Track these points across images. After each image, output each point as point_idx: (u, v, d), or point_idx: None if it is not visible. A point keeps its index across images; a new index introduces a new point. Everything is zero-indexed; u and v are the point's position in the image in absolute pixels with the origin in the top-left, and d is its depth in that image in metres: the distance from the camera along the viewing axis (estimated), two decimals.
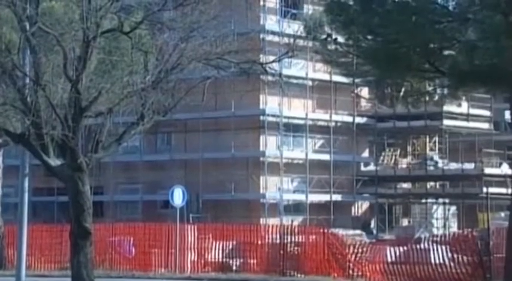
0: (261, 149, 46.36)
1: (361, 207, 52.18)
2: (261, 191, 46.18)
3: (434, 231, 45.26)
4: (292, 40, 39.54)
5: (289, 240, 28.86)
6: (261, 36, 45.44)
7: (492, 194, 36.25)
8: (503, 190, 39.87)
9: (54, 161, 14.95)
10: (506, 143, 52.16)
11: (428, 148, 53.40)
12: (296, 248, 28.78)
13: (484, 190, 42.43)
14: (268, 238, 29.66)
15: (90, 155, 15.07)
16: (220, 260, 29.79)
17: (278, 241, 28.94)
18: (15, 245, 22.68)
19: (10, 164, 32.65)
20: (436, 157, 52.64)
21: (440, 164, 51.60)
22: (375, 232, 48.65)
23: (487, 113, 52.78)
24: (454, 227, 48.24)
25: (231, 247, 29.94)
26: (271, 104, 46.41)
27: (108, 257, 30.23)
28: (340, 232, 32.42)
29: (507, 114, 42.77)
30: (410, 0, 25.32)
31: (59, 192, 43.65)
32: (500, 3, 23.61)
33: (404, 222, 52.75)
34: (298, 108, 47.98)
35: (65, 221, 26.40)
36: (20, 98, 14.68)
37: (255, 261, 29.25)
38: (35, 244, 29.27)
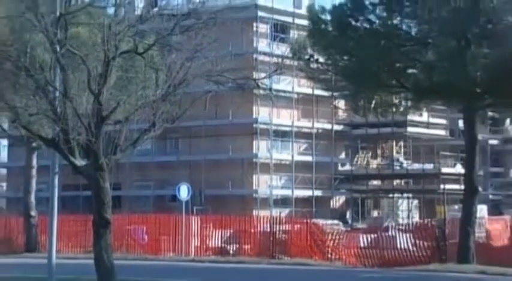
0: (254, 152, 46.40)
1: (338, 201, 52.25)
2: (254, 187, 46.22)
3: (400, 221, 45.34)
4: (280, 60, 39.63)
5: (277, 229, 28.86)
6: (254, 56, 45.59)
7: (448, 190, 36.25)
8: (457, 187, 39.90)
9: (80, 162, 14.92)
10: (460, 147, 52.20)
11: (394, 151, 53.53)
12: (283, 235, 28.77)
13: (441, 186, 42.49)
14: (260, 227, 29.67)
15: (110, 156, 15.05)
16: (219, 245, 29.77)
17: (268, 230, 28.93)
18: (47, 233, 22.67)
19: (43, 164, 32.55)
20: (401, 159, 52.80)
21: (404, 165, 51.76)
22: (350, 221, 48.70)
23: (444, 121, 52.99)
24: (416, 218, 48.31)
25: (228, 234, 29.92)
26: (262, 113, 46.50)
27: (124, 243, 30.21)
28: (321, 222, 32.41)
29: (461, 122, 42.76)
30: (380, 27, 25.45)
31: (83, 188, 43.51)
32: (455, 31, 23.74)
33: (375, 213, 52.83)
34: (285, 117, 48.05)
35: (89, 213, 26.37)
36: (51, 108, 14.66)
37: (249, 246, 29.23)
38: (63, 231, 29.23)
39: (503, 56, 23.08)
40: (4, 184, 58.17)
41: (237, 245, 29.42)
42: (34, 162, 33.68)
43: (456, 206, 37.57)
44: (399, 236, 26.82)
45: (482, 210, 31.29)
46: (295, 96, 48.40)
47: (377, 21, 25.56)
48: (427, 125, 52.14)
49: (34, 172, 33.68)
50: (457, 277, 22.18)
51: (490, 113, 39.25)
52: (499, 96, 26.15)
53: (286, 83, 47.17)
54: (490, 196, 49.45)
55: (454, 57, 23.37)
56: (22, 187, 35.24)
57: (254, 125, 46.43)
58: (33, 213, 32.98)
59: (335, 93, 36.95)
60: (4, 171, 57.21)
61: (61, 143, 14.93)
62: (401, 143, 53.96)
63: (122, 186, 47.30)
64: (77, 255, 29.47)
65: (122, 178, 45.60)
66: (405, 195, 52.69)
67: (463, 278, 22.08)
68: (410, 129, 50.80)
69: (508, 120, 55.62)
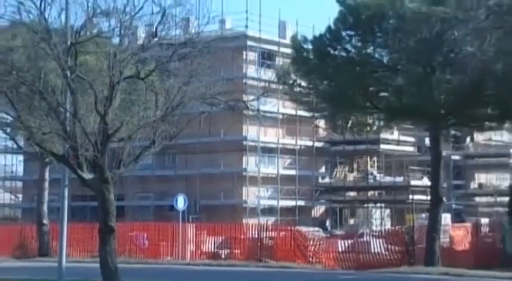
0: (244, 166, 46.31)
1: (319, 210, 52.15)
2: (244, 198, 46.08)
3: (374, 228, 45.28)
4: (267, 84, 39.68)
5: (264, 235, 28.80)
6: (244, 81, 45.63)
7: (416, 200, 36.27)
8: (424, 197, 39.93)
9: (87, 176, 14.88)
10: (426, 162, 52.21)
11: (369, 166, 53.55)
12: (270, 241, 28.71)
13: (410, 197, 42.52)
14: (249, 234, 29.59)
15: (114, 170, 15.02)
16: (212, 250, 29.66)
17: (256, 236, 28.87)
18: (57, 239, 22.54)
19: (54, 177, 32.43)
20: (375, 172, 52.80)
21: (378, 178, 51.76)
22: (329, 229, 48.58)
23: (412, 139, 53.07)
24: (388, 225, 48.24)
25: (220, 240, 29.82)
26: (251, 132, 46.46)
27: (127, 248, 30.04)
28: (303, 229, 32.36)
29: (427, 140, 43.04)
30: (355, 56, 25.58)
31: (91, 199, 43.13)
32: (421, 59, 23.91)
33: (351, 221, 52.74)
34: (271, 135, 48.04)
35: (95, 221, 26.21)
36: (62, 128, 14.63)
37: (239, 251, 29.14)
38: (72, 238, 28.99)
39: (463, 82, 23.25)
40: (20, 195, 57.86)
41: (228, 250, 29.31)
42: (46, 175, 33.57)
43: (423, 215, 37.56)
44: (373, 241, 26.83)
45: (446, 218, 31.27)
46: (280, 116, 48.44)
47: (353, 50, 25.70)
48: (398, 142, 52.26)
49: (46, 184, 33.57)
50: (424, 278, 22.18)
51: (452, 132, 39.38)
52: (460, 117, 26.31)
53: (272, 105, 47.19)
54: (453, 206, 49.44)
55: (420, 82, 23.51)
56: (36, 197, 35.11)
57: (243, 142, 46.39)
58: (45, 221, 32.83)
59: (316, 114, 37.06)
60: (20, 184, 56.92)
61: (70, 158, 14.90)
62: (375, 159, 54.02)
63: (125, 197, 47.06)
64: (85, 259, 29.29)
65: (125, 190, 45.37)
66: (378, 205, 52.67)
67: (429, 279, 22.09)
68: (382, 146, 50.91)
69: (468, 138, 55.86)
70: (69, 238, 24.39)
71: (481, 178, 58.05)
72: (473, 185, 57.11)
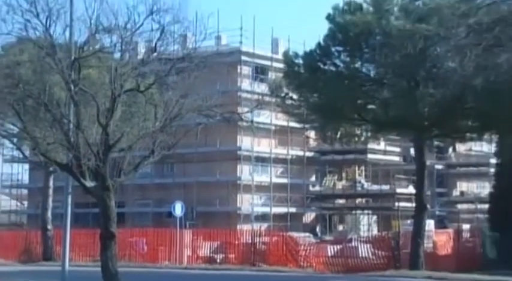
0: (238, 175, 46.33)
1: (309, 217, 52.15)
2: (238, 205, 46.07)
3: (361, 234, 45.25)
4: (260, 97, 39.72)
5: (258, 240, 28.73)
6: (238, 94, 45.70)
7: (401, 207, 36.34)
8: (409, 204, 39.92)
9: (89, 183, 14.87)
10: (411, 171, 52.38)
11: (357, 174, 53.61)
12: (263, 246, 28.63)
13: (396, 204, 42.56)
14: (243, 239, 29.51)
15: (115, 179, 15.01)
16: (208, 255, 29.56)
17: (250, 241, 28.79)
18: (61, 244, 22.44)
19: (58, 185, 32.31)
20: (362, 181, 52.86)
21: (365, 186, 51.81)
22: (319, 234, 48.53)
23: (398, 149, 53.22)
24: (375, 231, 48.23)
25: (216, 245, 29.73)
26: (245, 142, 46.51)
27: (127, 252, 29.89)
28: (295, 234, 32.30)
29: (412, 150, 43.06)
30: (344, 70, 25.65)
31: (93, 205, 42.75)
32: (406, 73, 24.01)
33: (340, 227, 52.71)
34: (264, 146, 48.09)
35: (97, 227, 26.09)
36: (66, 138, 14.64)
37: (234, 255, 29.05)
38: (75, 243, 28.82)
39: (446, 95, 23.34)
40: (25, 202, 57.72)
41: (223, 255, 29.22)
42: (51, 183, 33.46)
43: (408, 221, 37.60)
44: (361, 246, 26.80)
45: (430, 224, 31.28)
46: (273, 127, 48.50)
47: (341, 65, 25.76)
48: (384, 152, 52.37)
49: (51, 191, 33.45)
50: None
51: (436, 143, 39.48)
52: (443, 129, 26.39)
53: (265, 117, 47.27)
54: (437, 212, 49.58)
55: (405, 95, 23.58)
56: (40, 204, 34.96)
57: (238, 152, 46.41)
58: (49, 227, 32.70)
59: (307, 125, 37.02)
60: (25, 191, 56.83)
61: (74, 167, 14.90)
62: (363, 168, 54.08)
63: (125, 204, 46.94)
64: (87, 263, 29.12)
65: (125, 197, 45.23)
66: (366, 212, 52.67)
67: None
68: (370, 155, 50.99)
69: (450, 149, 56.04)
70: (72, 243, 24.26)
71: (463, 186, 58.23)
72: (455, 192, 57.26)
